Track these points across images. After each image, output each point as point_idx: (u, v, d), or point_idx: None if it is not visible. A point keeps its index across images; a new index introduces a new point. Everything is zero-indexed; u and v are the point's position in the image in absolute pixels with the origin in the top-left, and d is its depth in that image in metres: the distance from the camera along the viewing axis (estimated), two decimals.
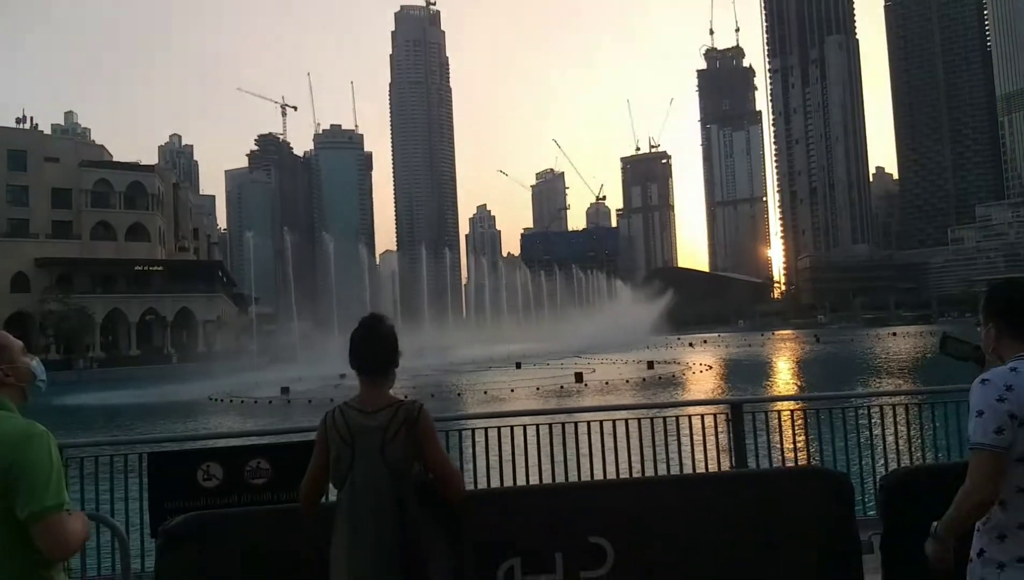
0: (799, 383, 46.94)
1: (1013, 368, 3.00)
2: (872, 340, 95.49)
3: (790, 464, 8.77)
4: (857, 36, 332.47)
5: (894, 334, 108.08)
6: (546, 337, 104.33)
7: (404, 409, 3.69)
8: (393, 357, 3.82)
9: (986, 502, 2.96)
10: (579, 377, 44.59)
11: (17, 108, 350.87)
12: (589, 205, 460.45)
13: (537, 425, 7.91)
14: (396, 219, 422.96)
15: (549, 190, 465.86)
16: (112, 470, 6.83)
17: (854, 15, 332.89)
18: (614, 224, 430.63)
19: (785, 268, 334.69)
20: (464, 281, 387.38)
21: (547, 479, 7.65)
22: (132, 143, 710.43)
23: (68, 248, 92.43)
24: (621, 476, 7.88)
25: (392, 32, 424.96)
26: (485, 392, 40.20)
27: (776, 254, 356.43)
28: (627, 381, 43.86)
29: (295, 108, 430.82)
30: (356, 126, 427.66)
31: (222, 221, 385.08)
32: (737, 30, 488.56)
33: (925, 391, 10.03)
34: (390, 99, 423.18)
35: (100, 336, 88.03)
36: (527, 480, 7.68)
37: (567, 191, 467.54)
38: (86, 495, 6.67)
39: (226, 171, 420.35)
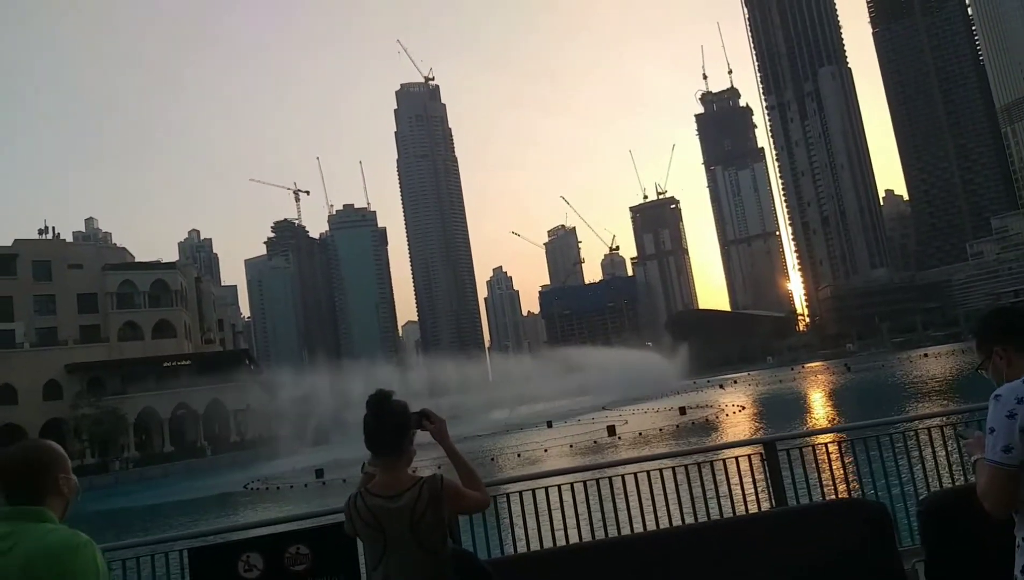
0: (835, 415, 46.16)
1: None
2: (904, 363, 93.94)
3: (830, 498, 8.65)
4: (849, 64, 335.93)
5: (925, 355, 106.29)
6: (575, 392, 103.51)
7: (428, 486, 3.64)
8: (404, 431, 3.77)
9: (994, 513, 3.01)
10: (612, 430, 44.14)
11: (39, 219, 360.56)
12: (603, 257, 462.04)
13: (572, 484, 7.88)
14: (415, 290, 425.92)
15: (562, 246, 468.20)
16: (154, 569, 6.87)
17: (843, 44, 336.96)
18: (630, 273, 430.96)
19: (807, 300, 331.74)
20: (487, 344, 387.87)
21: (588, 537, 7.59)
22: (152, 242, 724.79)
23: (97, 351, 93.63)
24: (662, 526, 7.80)
25: (395, 110, 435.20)
26: (519, 455, 39.86)
27: (796, 287, 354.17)
28: (661, 430, 43.33)
29: (308, 192, 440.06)
30: (368, 204, 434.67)
31: (245, 309, 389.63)
32: (730, 72, 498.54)
33: (960, 410, 9.87)
34: (399, 174, 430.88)
35: (134, 435, 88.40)
36: (567, 540, 7.62)
37: (580, 245, 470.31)
38: None
39: (245, 260, 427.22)
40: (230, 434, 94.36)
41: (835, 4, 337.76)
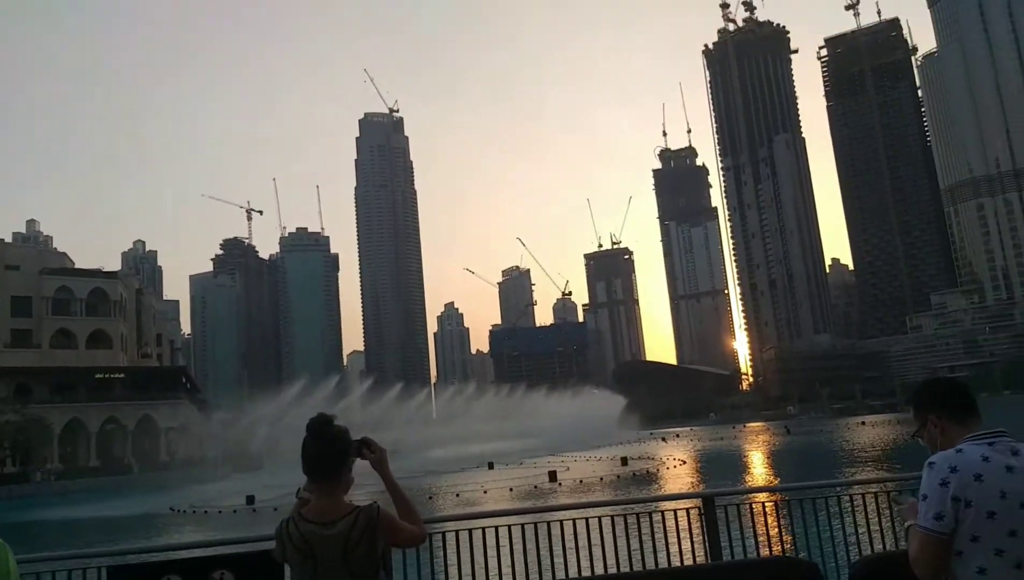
0: (773, 475, 46.73)
1: (959, 449, 3.14)
2: (842, 429, 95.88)
3: (764, 555, 8.70)
4: (803, 134, 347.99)
5: (863, 423, 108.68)
6: (518, 435, 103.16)
7: (364, 515, 3.56)
8: (343, 458, 3.68)
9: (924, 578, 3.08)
10: (553, 476, 43.99)
11: None
12: (556, 301, 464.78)
13: (510, 526, 7.79)
14: (363, 319, 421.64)
15: (516, 287, 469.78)
16: None
17: (799, 114, 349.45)
18: (581, 319, 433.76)
19: (751, 360, 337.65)
20: (434, 379, 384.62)
21: None
22: (96, 250, 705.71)
23: (27, 356, 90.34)
24: (597, 574, 7.74)
25: (357, 138, 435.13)
26: (457, 494, 39.39)
27: (741, 346, 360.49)
28: (601, 479, 43.33)
29: (261, 212, 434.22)
30: (322, 229, 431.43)
31: (186, 326, 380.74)
32: (689, 131, 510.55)
33: (895, 478, 10.09)
34: (356, 202, 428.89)
35: (59, 447, 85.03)
36: None
37: (533, 288, 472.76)
38: None
39: (191, 276, 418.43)
40: (160, 453, 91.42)
41: (792, 75, 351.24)
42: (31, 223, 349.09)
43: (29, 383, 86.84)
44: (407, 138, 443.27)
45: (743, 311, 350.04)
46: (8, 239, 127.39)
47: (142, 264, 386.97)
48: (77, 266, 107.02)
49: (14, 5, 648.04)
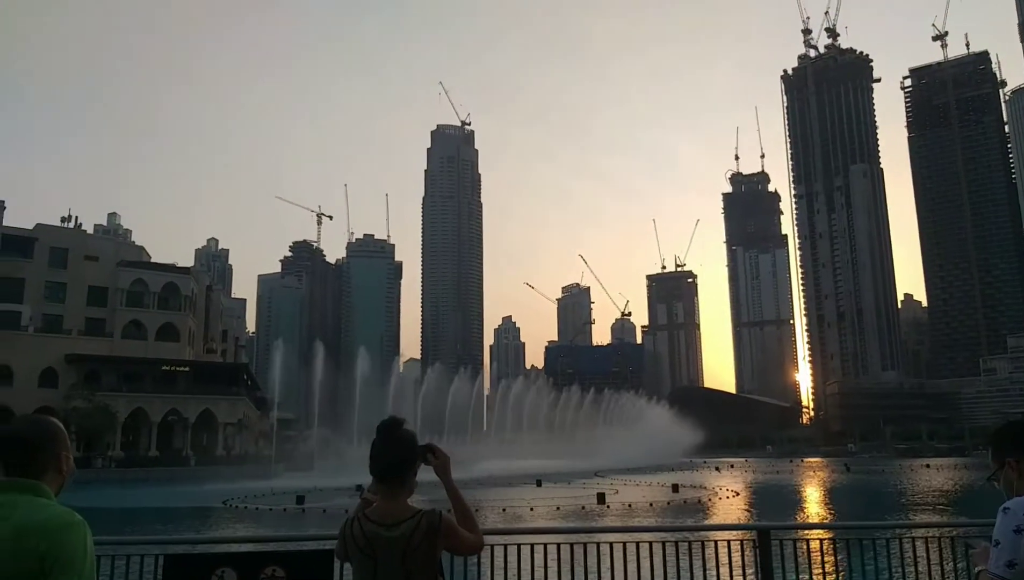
0: (829, 513, 45.31)
1: None
2: (905, 471, 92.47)
3: None
4: (881, 165, 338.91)
5: (927, 466, 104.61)
6: (569, 454, 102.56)
7: (426, 519, 3.64)
8: (411, 461, 3.76)
9: None
10: (601, 498, 43.51)
11: (64, 207, 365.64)
12: (614, 321, 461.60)
13: (558, 544, 7.72)
14: (422, 328, 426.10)
15: (574, 304, 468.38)
16: (128, 570, 6.76)
17: (878, 145, 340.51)
18: (639, 341, 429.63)
19: (813, 393, 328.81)
20: (487, 392, 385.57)
21: None
22: (172, 245, 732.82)
23: (99, 345, 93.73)
24: None
25: (428, 148, 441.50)
26: (504, 510, 39.26)
27: (804, 378, 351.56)
28: (651, 504, 42.67)
29: (331, 217, 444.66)
30: (388, 236, 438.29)
31: (251, 324, 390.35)
32: (762, 156, 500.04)
33: (961, 524, 9.66)
34: (423, 211, 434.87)
35: (121, 435, 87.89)
36: None
37: (592, 306, 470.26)
38: None
39: (259, 275, 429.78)
40: (217, 447, 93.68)
41: (873, 103, 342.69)
42: (112, 216, 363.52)
43: (99, 371, 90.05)
44: (477, 151, 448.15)
45: (808, 342, 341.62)
46: (90, 231, 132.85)
47: (214, 261, 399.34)
48: (153, 260, 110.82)
49: (107, 4, 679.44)
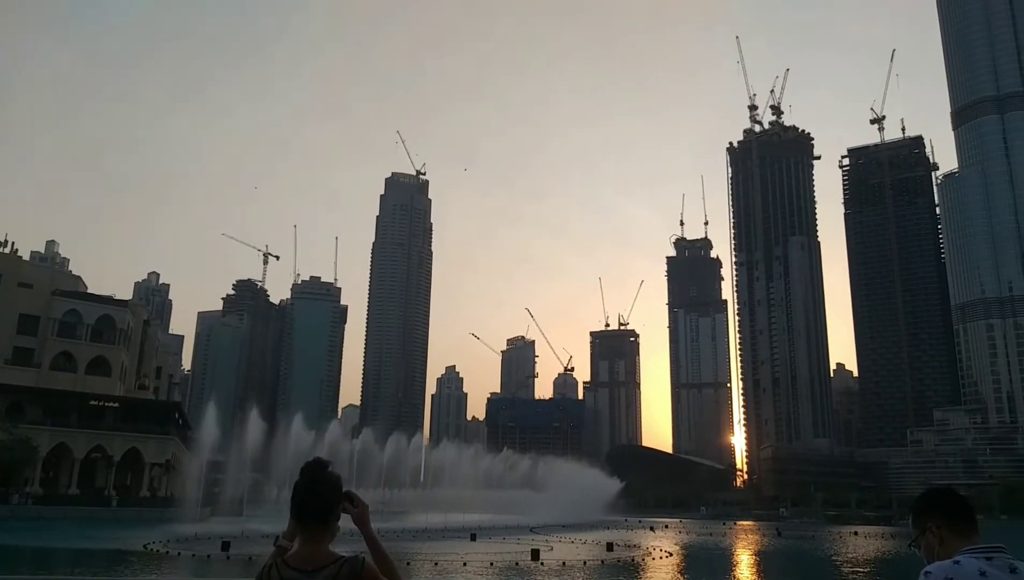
0: (762, 579, 45.71)
1: (956, 561, 3.16)
2: (835, 537, 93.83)
3: None
4: (819, 238, 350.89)
5: (855, 533, 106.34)
6: (505, 508, 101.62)
7: (348, 565, 3.47)
8: (335, 505, 3.62)
9: None
10: (535, 554, 43.16)
11: (0, 232, 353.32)
12: (557, 375, 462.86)
13: None
14: (364, 373, 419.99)
15: (519, 357, 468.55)
16: None
17: (816, 219, 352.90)
18: (580, 396, 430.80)
19: (747, 456, 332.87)
20: (426, 443, 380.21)
21: None
22: (111, 277, 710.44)
23: (25, 375, 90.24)
24: None
25: (381, 195, 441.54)
26: (436, 563, 38.65)
27: (739, 441, 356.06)
28: (585, 563, 42.47)
29: (277, 257, 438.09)
30: (336, 279, 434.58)
31: (188, 362, 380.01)
32: (706, 223, 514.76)
33: None
34: (372, 257, 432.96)
35: (42, 471, 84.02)
36: None
37: (536, 359, 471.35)
38: None
39: (199, 312, 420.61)
40: (142, 487, 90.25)
41: (813, 179, 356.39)
42: (50, 244, 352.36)
43: (23, 402, 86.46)
44: (430, 201, 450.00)
45: (743, 406, 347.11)
46: (26, 257, 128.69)
47: (153, 296, 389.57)
48: (90, 291, 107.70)
49: (43, 25, 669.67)
